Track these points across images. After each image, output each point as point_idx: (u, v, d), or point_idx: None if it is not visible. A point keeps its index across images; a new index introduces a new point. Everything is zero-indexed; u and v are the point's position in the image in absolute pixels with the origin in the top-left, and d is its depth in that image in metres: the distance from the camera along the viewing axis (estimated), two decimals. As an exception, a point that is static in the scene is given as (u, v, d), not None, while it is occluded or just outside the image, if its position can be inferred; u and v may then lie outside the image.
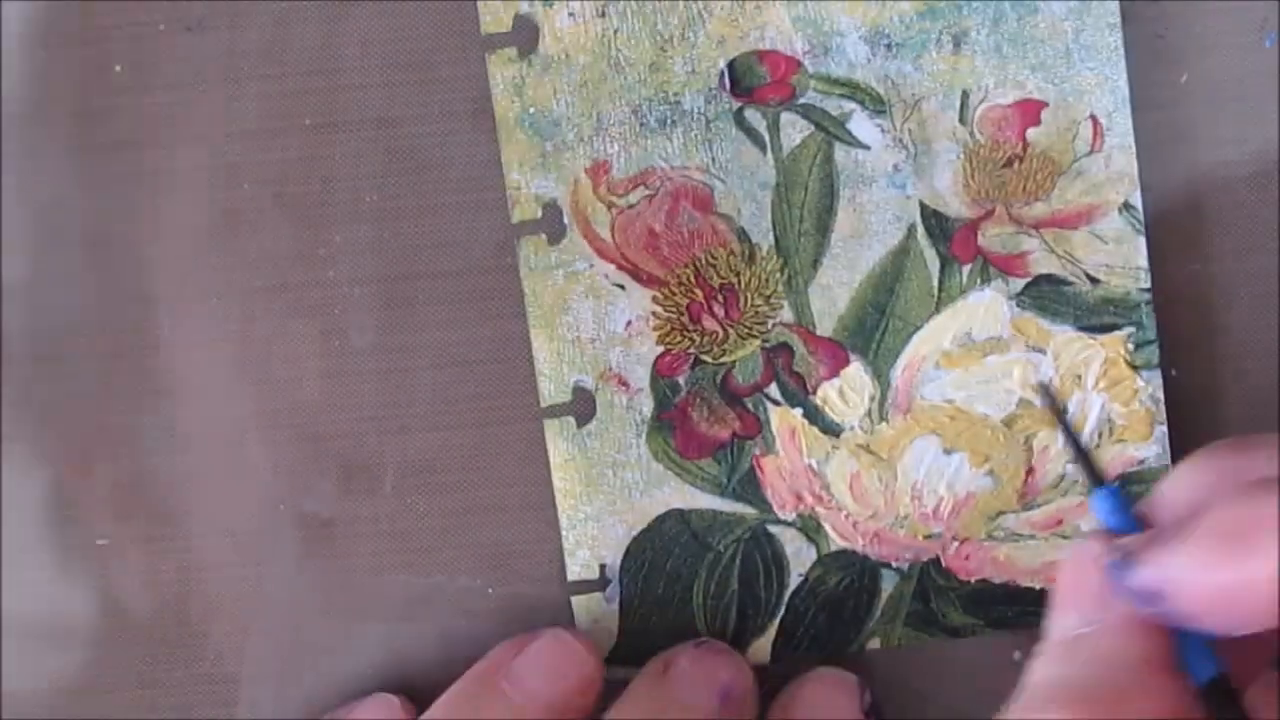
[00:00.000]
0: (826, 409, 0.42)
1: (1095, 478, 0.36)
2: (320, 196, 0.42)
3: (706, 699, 0.41)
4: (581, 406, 0.42)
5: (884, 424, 0.42)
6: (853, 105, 0.41)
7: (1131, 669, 0.32)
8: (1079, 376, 0.41)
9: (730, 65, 0.41)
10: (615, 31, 0.41)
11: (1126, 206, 0.41)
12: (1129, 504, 0.35)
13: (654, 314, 0.42)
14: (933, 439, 0.42)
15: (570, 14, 0.41)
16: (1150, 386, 0.41)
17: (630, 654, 0.42)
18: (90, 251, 0.43)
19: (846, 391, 0.42)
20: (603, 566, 0.42)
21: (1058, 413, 0.39)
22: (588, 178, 0.42)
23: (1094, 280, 0.41)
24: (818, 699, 0.42)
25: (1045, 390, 0.40)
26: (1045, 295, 0.41)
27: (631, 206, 0.42)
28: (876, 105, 0.41)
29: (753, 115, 0.42)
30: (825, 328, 0.42)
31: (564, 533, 0.42)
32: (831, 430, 0.42)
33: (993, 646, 0.42)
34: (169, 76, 0.42)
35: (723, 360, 0.42)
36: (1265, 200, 0.42)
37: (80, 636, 0.43)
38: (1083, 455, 0.38)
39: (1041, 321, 0.41)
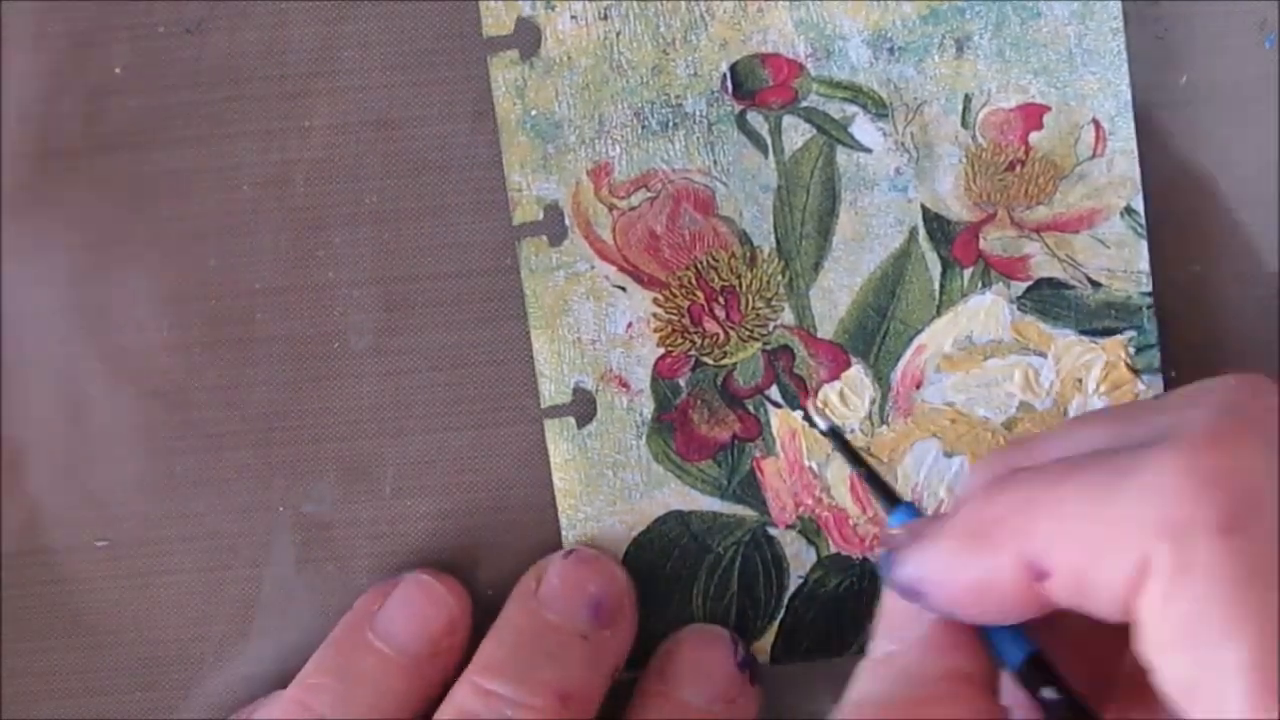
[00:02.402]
0: (827, 411, 0.42)
1: (890, 498, 0.37)
2: (320, 198, 0.42)
3: (577, 614, 0.41)
4: (582, 407, 0.42)
5: (884, 427, 0.42)
6: (855, 109, 0.41)
7: (933, 682, 0.33)
8: (1080, 380, 0.41)
9: (732, 68, 0.41)
10: (617, 34, 0.41)
11: (1128, 211, 0.41)
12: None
13: (655, 316, 0.42)
14: (933, 442, 0.42)
15: (572, 16, 0.41)
16: (1151, 390, 0.41)
17: (630, 655, 0.42)
18: (91, 251, 0.42)
19: (847, 394, 0.42)
20: (603, 568, 0.43)
21: (844, 443, 0.40)
22: (589, 180, 0.42)
23: (1095, 284, 0.41)
24: (693, 654, 0.42)
25: (834, 432, 0.40)
26: (1046, 299, 0.42)
27: (633, 209, 0.42)
28: (879, 109, 0.41)
29: (755, 118, 0.41)
30: (826, 330, 0.42)
31: (564, 533, 0.42)
32: (832, 433, 0.42)
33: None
34: (169, 77, 0.42)
35: (723, 362, 0.42)
36: (1265, 201, 0.42)
37: (80, 636, 0.43)
38: (874, 478, 0.38)
39: (1042, 325, 0.42)
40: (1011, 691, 0.33)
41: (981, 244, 0.42)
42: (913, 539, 0.33)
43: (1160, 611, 0.29)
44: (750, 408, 0.42)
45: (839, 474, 0.42)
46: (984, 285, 0.42)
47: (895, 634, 0.34)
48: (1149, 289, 0.41)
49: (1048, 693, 0.32)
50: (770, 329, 0.42)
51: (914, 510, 0.36)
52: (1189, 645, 0.29)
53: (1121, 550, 0.30)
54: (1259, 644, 0.28)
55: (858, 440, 0.42)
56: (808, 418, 0.42)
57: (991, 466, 0.35)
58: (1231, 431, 0.30)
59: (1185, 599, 0.29)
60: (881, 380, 0.42)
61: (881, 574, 0.34)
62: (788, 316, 0.42)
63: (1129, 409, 0.35)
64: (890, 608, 0.34)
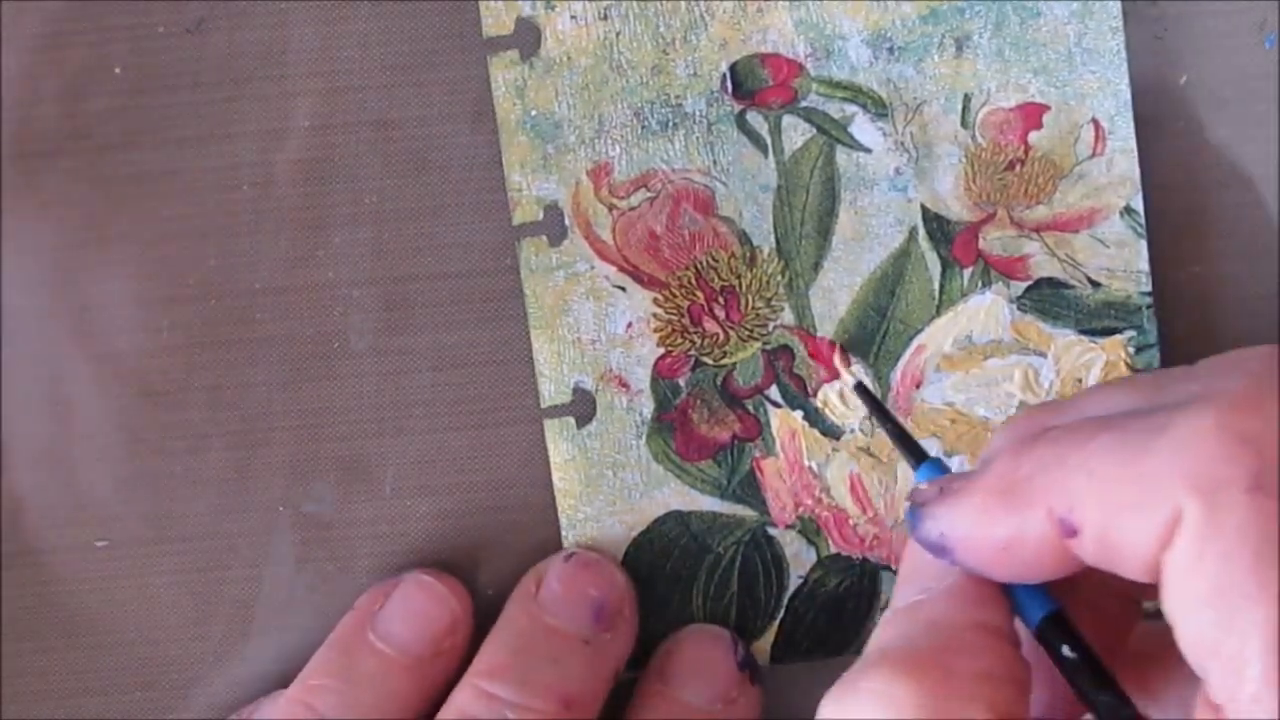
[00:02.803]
0: (827, 411, 0.42)
1: (917, 454, 0.37)
2: (320, 197, 0.42)
3: (578, 617, 0.41)
4: (582, 407, 0.42)
5: (884, 427, 0.42)
6: (854, 108, 0.41)
7: (957, 631, 0.32)
8: (1080, 380, 0.41)
9: (732, 68, 0.41)
10: (617, 34, 0.41)
11: (1128, 210, 0.41)
12: (949, 472, 0.36)
13: (654, 316, 0.42)
14: (933, 442, 0.42)
15: (572, 16, 0.41)
16: (1150, 390, 0.41)
17: (630, 655, 0.42)
18: (90, 251, 0.42)
19: (847, 394, 0.42)
20: (603, 568, 0.43)
21: (871, 398, 0.40)
22: (589, 180, 0.42)
23: (1095, 284, 0.41)
24: (693, 654, 0.42)
25: (862, 387, 0.40)
26: (1046, 298, 0.42)
27: (633, 209, 0.42)
28: (878, 108, 0.41)
29: (754, 118, 0.41)
30: (826, 330, 0.42)
31: (564, 533, 0.42)
32: (832, 433, 0.42)
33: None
34: (169, 78, 0.42)
35: (723, 362, 0.42)
36: (1265, 201, 0.42)
37: (80, 636, 0.43)
38: (901, 434, 0.38)
39: (1042, 325, 0.42)
40: (1030, 654, 0.33)
41: (981, 244, 0.42)
42: (941, 495, 0.33)
43: (1187, 568, 0.29)
44: (750, 408, 0.42)
45: (839, 474, 0.42)
46: (984, 285, 0.42)
47: (919, 583, 0.34)
48: (1149, 289, 0.41)
49: (1067, 650, 0.32)
50: (770, 329, 0.42)
51: (940, 466, 0.36)
52: (1214, 604, 0.29)
53: (1152, 506, 0.29)
54: None
55: (857, 440, 0.42)
56: (836, 377, 0.41)
57: (1020, 426, 0.34)
58: (1263, 394, 0.30)
59: (1213, 556, 0.29)
60: (881, 380, 0.42)
61: (909, 530, 0.34)
62: (787, 316, 0.42)
63: (1159, 375, 0.34)
64: (915, 561, 0.34)
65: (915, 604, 0.33)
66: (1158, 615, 0.30)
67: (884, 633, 0.33)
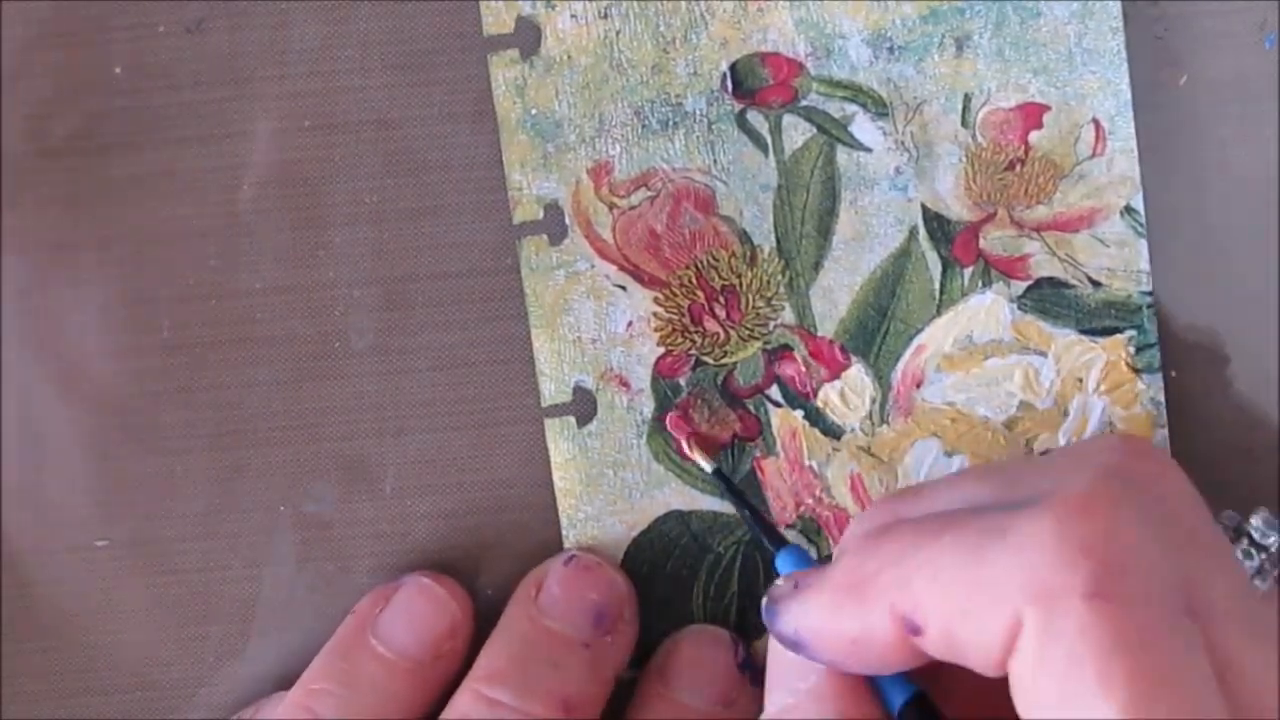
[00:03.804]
0: (827, 411, 0.42)
1: (774, 540, 0.37)
2: (320, 197, 0.42)
3: (578, 621, 0.41)
4: (582, 407, 0.42)
5: (885, 426, 0.42)
6: (855, 108, 0.41)
7: None
8: (1080, 380, 0.41)
9: (732, 67, 0.41)
10: (617, 33, 0.41)
11: (1128, 210, 0.41)
12: (813, 562, 0.37)
13: (655, 315, 0.42)
14: (934, 441, 0.42)
15: (572, 15, 0.41)
16: (1151, 389, 0.41)
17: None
18: (91, 251, 0.42)
19: (847, 394, 0.42)
20: (603, 568, 0.43)
21: (736, 493, 0.41)
22: (589, 179, 0.42)
23: (1095, 283, 0.41)
24: (693, 654, 0.42)
25: (719, 473, 0.41)
26: (1046, 298, 0.42)
27: (633, 208, 0.42)
28: (878, 108, 0.41)
29: (755, 117, 0.42)
30: (826, 329, 0.42)
31: (564, 533, 0.42)
32: (832, 432, 0.42)
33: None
34: (169, 78, 0.42)
35: (724, 361, 0.42)
36: (1265, 201, 0.42)
37: (80, 636, 0.43)
38: (759, 522, 0.39)
39: (1043, 325, 0.42)
40: None
41: (981, 243, 0.42)
42: (795, 590, 0.34)
43: (1032, 675, 0.29)
44: (750, 407, 0.42)
45: (839, 473, 0.42)
46: (984, 285, 0.42)
47: (787, 686, 0.35)
48: (1149, 288, 0.41)
49: None
50: (770, 328, 0.42)
51: (800, 553, 0.37)
52: (1061, 707, 0.29)
53: (992, 612, 0.30)
54: (1129, 706, 0.28)
55: (858, 440, 0.42)
56: (694, 463, 0.42)
57: (874, 516, 0.35)
58: (1105, 496, 0.30)
59: (1055, 663, 0.29)
60: (882, 379, 0.42)
61: (766, 624, 0.35)
62: (788, 316, 0.42)
63: (1013, 466, 0.35)
64: (778, 659, 0.35)
65: (785, 708, 0.35)
66: None
67: None
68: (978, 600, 0.30)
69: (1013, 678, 0.30)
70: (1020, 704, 0.30)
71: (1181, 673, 0.29)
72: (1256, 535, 0.36)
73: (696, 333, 0.42)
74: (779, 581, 0.35)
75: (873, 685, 0.34)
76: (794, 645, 0.34)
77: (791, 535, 0.42)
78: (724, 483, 0.41)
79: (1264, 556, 0.36)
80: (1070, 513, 0.30)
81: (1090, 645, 0.29)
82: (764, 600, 0.35)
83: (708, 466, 0.41)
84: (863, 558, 0.33)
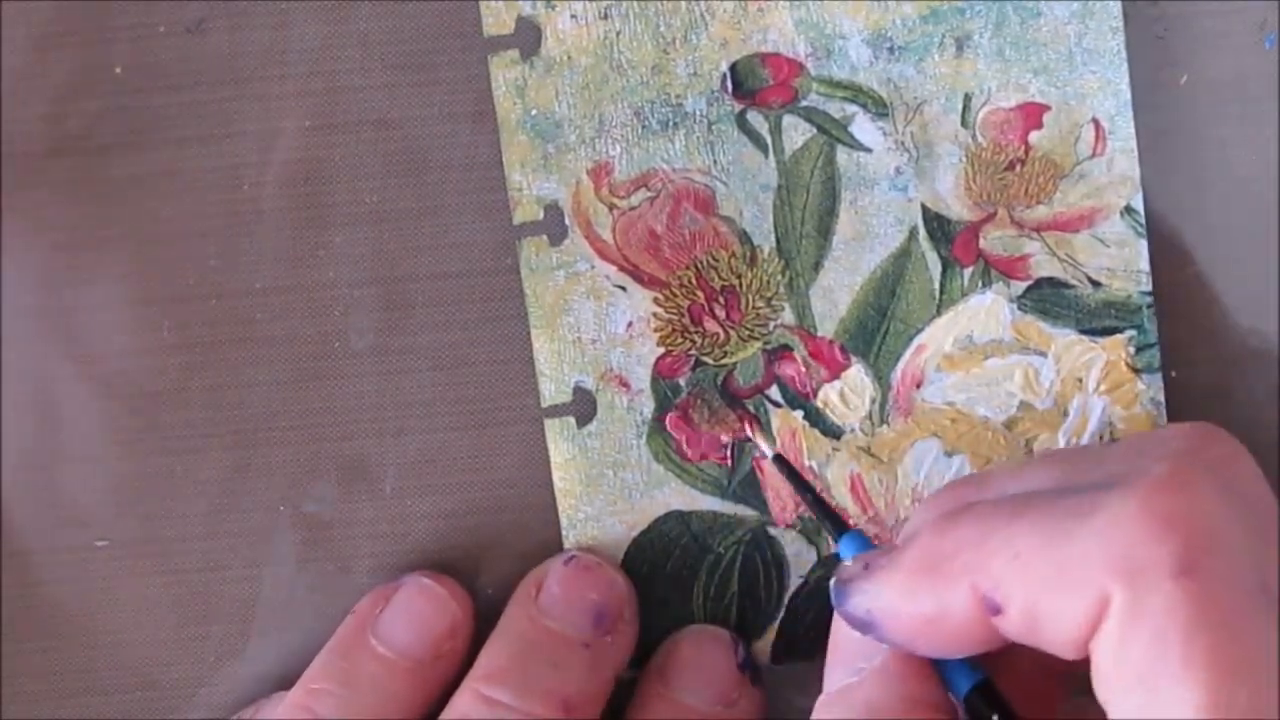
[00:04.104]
0: (827, 411, 0.42)
1: (837, 526, 0.37)
2: (320, 197, 0.42)
3: (578, 621, 0.41)
4: (582, 407, 0.42)
5: (885, 426, 0.42)
6: (855, 108, 0.41)
7: (892, 712, 0.33)
8: (1080, 380, 0.41)
9: (732, 68, 0.41)
10: (618, 33, 0.41)
11: (1128, 210, 0.41)
12: (874, 547, 0.36)
13: (655, 315, 0.42)
14: (934, 442, 0.42)
15: (572, 16, 0.41)
16: (1151, 389, 0.41)
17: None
18: (91, 251, 0.42)
19: (847, 394, 0.42)
20: (603, 568, 0.43)
21: (791, 471, 0.40)
22: (589, 179, 0.42)
23: (1095, 283, 0.41)
24: (693, 654, 0.42)
25: (780, 459, 0.40)
26: (1047, 298, 0.42)
27: (633, 208, 0.42)
28: (879, 108, 0.41)
29: (755, 118, 0.42)
30: (826, 330, 0.42)
31: (564, 533, 0.42)
32: (832, 432, 0.42)
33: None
34: (169, 78, 0.42)
35: (724, 362, 0.42)
36: (1265, 202, 0.42)
37: (80, 636, 0.43)
38: (820, 504, 0.39)
39: (1043, 325, 0.42)
40: None
41: (981, 243, 0.42)
42: (866, 571, 0.34)
43: (1115, 652, 0.29)
44: (750, 407, 0.42)
45: (839, 474, 0.42)
46: (984, 285, 0.42)
47: (850, 665, 0.34)
48: (1149, 288, 0.41)
49: None
50: (770, 328, 0.42)
51: (862, 537, 0.37)
52: (1143, 687, 0.29)
53: (1077, 589, 0.30)
54: (1211, 686, 0.28)
55: (858, 440, 0.42)
56: (755, 445, 0.42)
57: (943, 500, 0.35)
58: (1187, 476, 0.30)
59: (1140, 641, 0.29)
60: (882, 380, 0.42)
61: (835, 605, 0.34)
62: (788, 316, 0.42)
63: (1082, 452, 0.35)
64: (843, 639, 0.35)
65: (848, 688, 0.34)
66: (1088, 689, 0.30)
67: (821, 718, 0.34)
68: (1063, 579, 0.30)
69: (1095, 657, 0.30)
70: (1100, 684, 0.30)
71: (1263, 655, 0.29)
72: None
73: (696, 333, 0.42)
74: (847, 563, 0.35)
75: (937, 669, 0.34)
76: (864, 626, 0.34)
77: (791, 535, 0.42)
78: (785, 468, 0.40)
79: None
80: (1156, 491, 0.30)
81: (1175, 623, 0.29)
82: (831, 581, 0.35)
83: (769, 451, 0.41)
84: (939, 537, 0.32)
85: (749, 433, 0.41)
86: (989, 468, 0.38)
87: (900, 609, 0.33)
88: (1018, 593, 0.31)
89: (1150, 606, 0.29)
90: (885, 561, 0.33)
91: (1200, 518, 0.30)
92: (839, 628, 0.35)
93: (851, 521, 0.41)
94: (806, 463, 0.42)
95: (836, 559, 0.37)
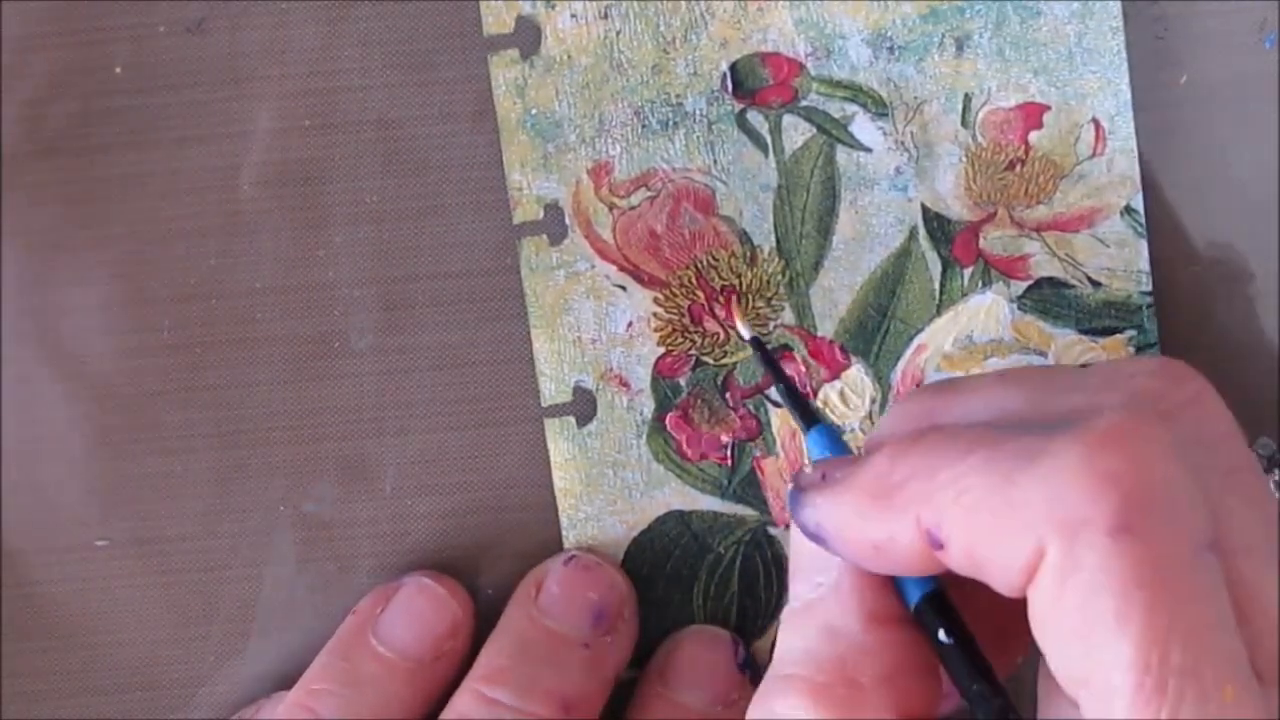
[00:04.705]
0: (827, 411, 0.42)
1: (808, 418, 0.36)
2: (320, 197, 0.42)
3: (577, 621, 0.41)
4: (582, 406, 0.42)
5: (885, 426, 0.42)
6: (855, 108, 0.41)
7: (854, 634, 0.33)
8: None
9: (732, 67, 0.41)
10: (618, 33, 0.41)
11: (1128, 210, 0.41)
12: (844, 445, 0.36)
13: (655, 315, 0.42)
14: (934, 441, 0.42)
15: (572, 15, 0.41)
16: (1151, 389, 0.41)
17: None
18: (91, 250, 0.42)
19: (847, 393, 0.42)
20: (603, 568, 0.43)
21: (765, 353, 0.39)
22: (589, 179, 0.42)
23: (1095, 283, 0.41)
24: (693, 655, 0.42)
25: (756, 341, 0.39)
26: (1047, 298, 0.42)
27: (633, 208, 0.42)
28: (879, 108, 0.41)
29: (755, 117, 0.42)
30: (826, 330, 0.42)
31: (564, 533, 0.42)
32: (832, 432, 0.42)
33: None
34: (169, 78, 0.42)
35: (724, 362, 0.42)
36: (1265, 201, 0.42)
37: (80, 636, 0.43)
38: (793, 395, 0.38)
39: (1043, 325, 0.42)
40: None
41: (981, 243, 0.42)
42: (822, 483, 0.33)
43: (1050, 604, 0.29)
44: (750, 407, 0.42)
45: (839, 473, 0.42)
46: (984, 285, 0.42)
47: (810, 578, 0.34)
48: (1149, 289, 0.41)
49: (942, 635, 0.33)
50: (770, 328, 0.42)
51: (831, 433, 0.36)
52: (1077, 639, 0.29)
53: (1015, 538, 0.30)
54: (1143, 643, 0.28)
55: (858, 439, 0.42)
56: (732, 325, 0.41)
57: (910, 412, 0.34)
58: (1135, 427, 0.30)
59: (1074, 594, 0.29)
60: (882, 380, 0.42)
61: (789, 512, 0.34)
62: (788, 316, 0.42)
63: (1052, 375, 0.35)
64: (802, 549, 0.34)
65: (809, 605, 0.34)
66: None
67: (785, 639, 0.34)
68: (1002, 525, 0.30)
69: (1031, 604, 0.30)
70: (1037, 631, 0.30)
71: (1199, 613, 0.29)
72: None
73: (696, 333, 0.42)
74: (807, 468, 0.34)
75: (892, 578, 0.34)
76: (815, 538, 0.33)
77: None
78: (760, 350, 0.39)
79: None
80: (1099, 444, 0.30)
81: (1110, 580, 0.29)
82: (789, 486, 0.35)
83: (746, 333, 0.40)
84: (893, 462, 0.32)
85: (732, 312, 0.41)
86: (964, 377, 0.38)
87: (849, 530, 0.33)
88: (959, 532, 0.31)
89: (1085, 562, 0.29)
90: (841, 476, 0.33)
91: (1143, 474, 0.30)
92: (796, 536, 0.35)
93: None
94: (807, 462, 0.42)
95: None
